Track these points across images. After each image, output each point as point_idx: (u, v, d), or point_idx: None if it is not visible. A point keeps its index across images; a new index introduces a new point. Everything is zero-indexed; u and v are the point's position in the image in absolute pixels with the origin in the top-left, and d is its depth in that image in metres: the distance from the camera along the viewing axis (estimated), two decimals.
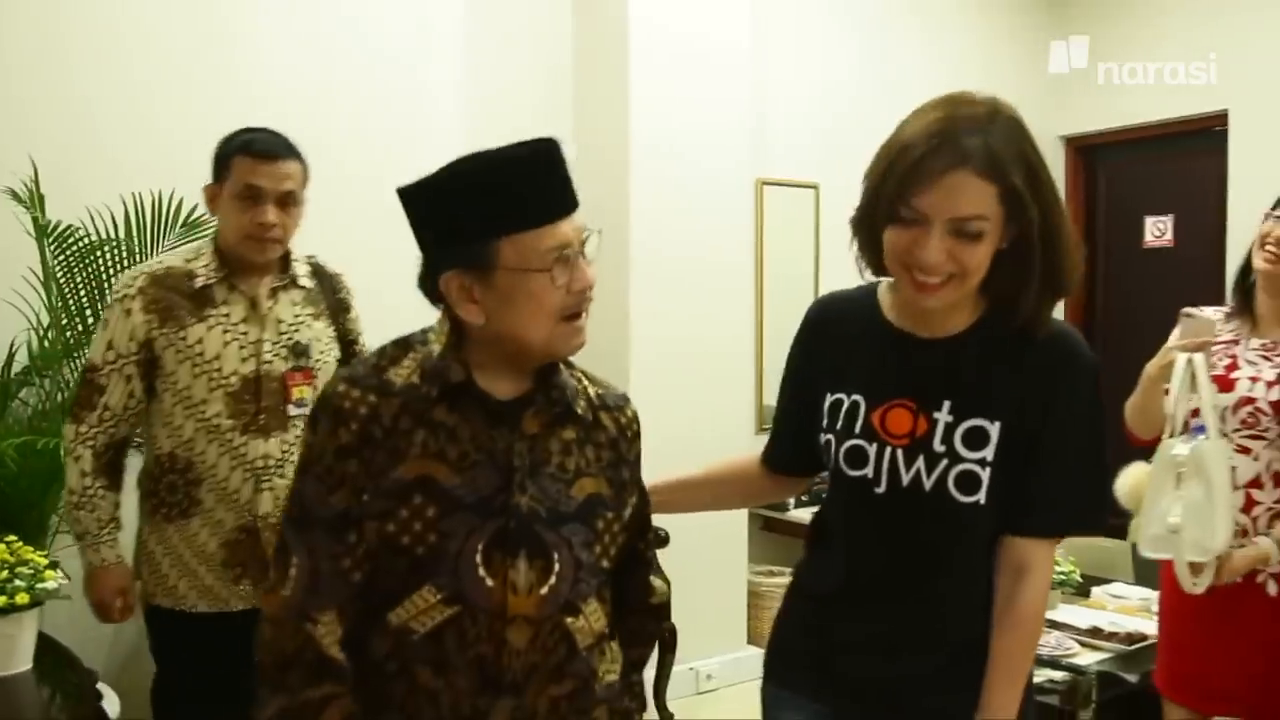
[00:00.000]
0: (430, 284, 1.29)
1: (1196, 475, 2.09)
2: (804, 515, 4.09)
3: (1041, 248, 1.36)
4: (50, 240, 2.69)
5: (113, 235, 2.80)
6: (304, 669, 1.24)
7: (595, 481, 1.34)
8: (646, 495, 1.45)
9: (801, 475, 1.71)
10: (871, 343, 1.50)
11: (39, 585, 2.01)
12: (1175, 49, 4.66)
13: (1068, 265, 1.40)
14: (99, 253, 2.76)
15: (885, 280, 1.51)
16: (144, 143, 3.08)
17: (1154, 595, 2.71)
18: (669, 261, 3.84)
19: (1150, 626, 2.72)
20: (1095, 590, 3.24)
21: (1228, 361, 2.34)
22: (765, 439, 1.70)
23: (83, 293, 2.79)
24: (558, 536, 1.28)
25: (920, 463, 1.42)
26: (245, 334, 2.18)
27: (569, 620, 1.29)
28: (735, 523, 4.05)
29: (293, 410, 2.18)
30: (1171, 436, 2.16)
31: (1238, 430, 2.29)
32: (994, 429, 1.40)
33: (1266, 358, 2.32)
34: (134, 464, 2.31)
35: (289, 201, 2.18)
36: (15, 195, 2.68)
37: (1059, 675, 2.78)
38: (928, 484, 1.41)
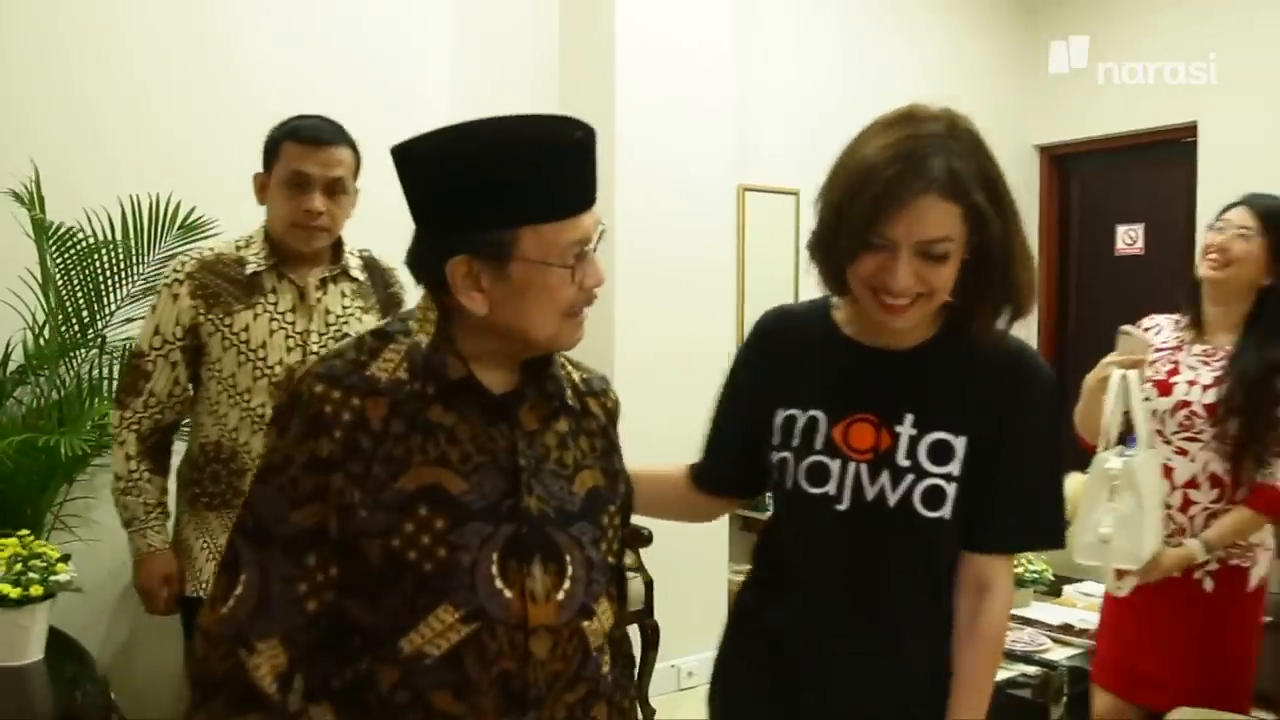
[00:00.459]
0: (431, 265, 1.15)
1: (1128, 488, 2.18)
2: None
3: (1000, 260, 1.35)
4: (50, 241, 2.72)
5: (110, 237, 2.82)
6: (230, 696, 1.12)
7: (592, 474, 1.26)
8: (630, 481, 1.35)
9: (730, 497, 1.64)
10: (829, 356, 1.47)
11: (51, 578, 2.06)
12: (1166, 49, 4.76)
13: (1024, 279, 1.39)
14: (98, 254, 2.78)
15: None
16: (142, 144, 3.11)
17: None
18: (653, 264, 3.90)
19: None
20: (1066, 589, 3.35)
21: (1169, 367, 2.42)
22: None
23: (79, 294, 2.82)
24: (569, 537, 1.20)
25: (885, 478, 1.38)
26: (292, 324, 2.14)
27: (585, 624, 1.20)
28: (716, 523, 4.10)
29: None
30: (1105, 449, 2.23)
31: (1176, 433, 2.38)
32: (959, 443, 1.38)
33: (1205, 363, 2.39)
34: (176, 452, 2.32)
35: (338, 189, 2.11)
36: (17, 196, 2.71)
37: (1032, 670, 2.88)
38: (892, 499, 1.38)
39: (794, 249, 4.67)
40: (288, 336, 2.14)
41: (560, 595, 1.17)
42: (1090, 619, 2.95)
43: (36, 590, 2.04)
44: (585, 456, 1.25)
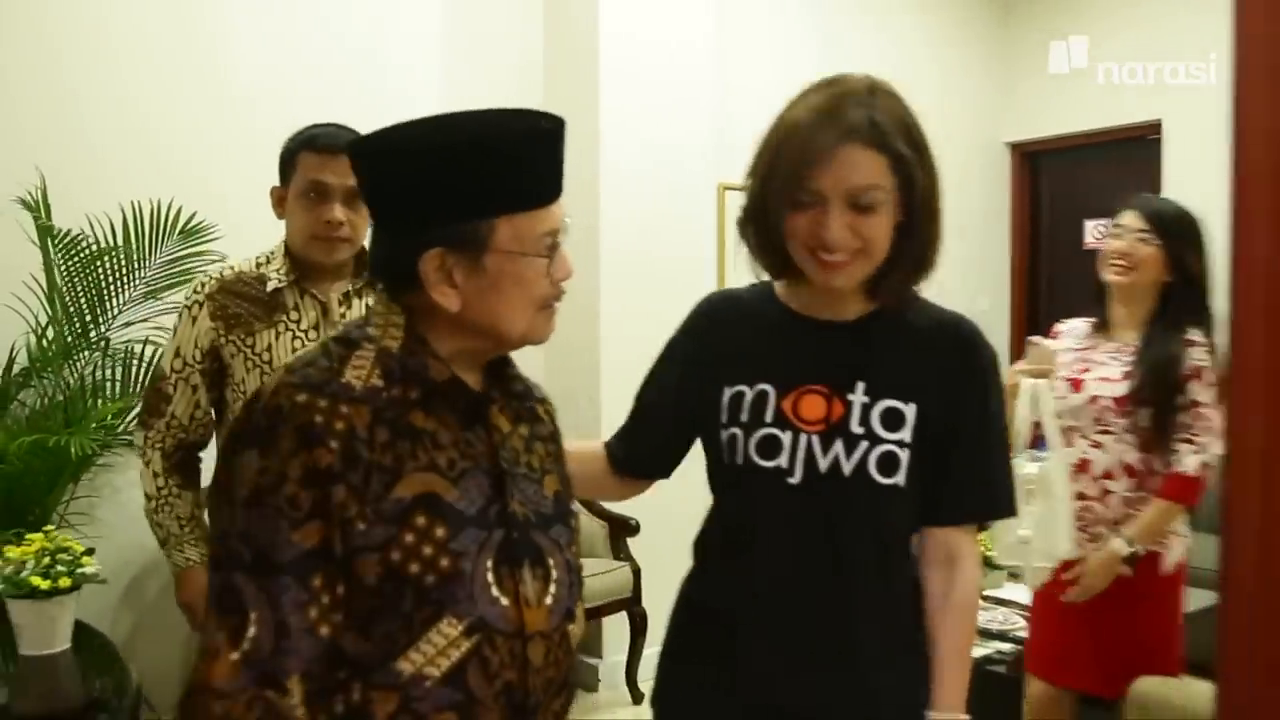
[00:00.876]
0: (401, 262, 1.10)
1: (1042, 491, 2.29)
2: None
3: (926, 218, 1.36)
4: (56, 246, 2.80)
5: (111, 242, 2.90)
6: None
7: (553, 478, 1.23)
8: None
9: (644, 479, 1.61)
10: (774, 332, 1.46)
11: (78, 570, 2.15)
12: (1130, 50, 4.91)
13: (935, 236, 1.39)
14: (101, 259, 2.86)
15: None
16: (140, 153, 3.18)
17: None
18: (637, 261, 4.00)
19: None
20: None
21: (1082, 365, 2.53)
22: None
23: (82, 298, 2.90)
24: (549, 540, 1.17)
25: (839, 447, 1.37)
26: (315, 341, 2.02)
27: (570, 627, 1.19)
28: (703, 510, 4.22)
29: None
30: (1018, 455, 2.32)
31: (1091, 427, 2.48)
32: (909, 410, 1.38)
33: (1115, 359, 2.50)
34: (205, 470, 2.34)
35: (358, 198, 1.97)
36: (24, 203, 2.79)
37: (1006, 647, 3.03)
38: (847, 467, 1.37)
39: None
40: None
41: (548, 600, 1.15)
42: None
43: (65, 582, 2.12)
44: (544, 460, 1.23)
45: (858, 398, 1.38)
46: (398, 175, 1.09)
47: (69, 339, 2.89)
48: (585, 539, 3.60)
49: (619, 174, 3.97)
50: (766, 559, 1.41)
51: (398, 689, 1.05)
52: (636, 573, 3.74)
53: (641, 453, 1.57)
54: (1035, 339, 2.47)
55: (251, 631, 1.00)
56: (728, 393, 1.44)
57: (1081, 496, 2.45)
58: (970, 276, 5.26)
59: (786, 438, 1.38)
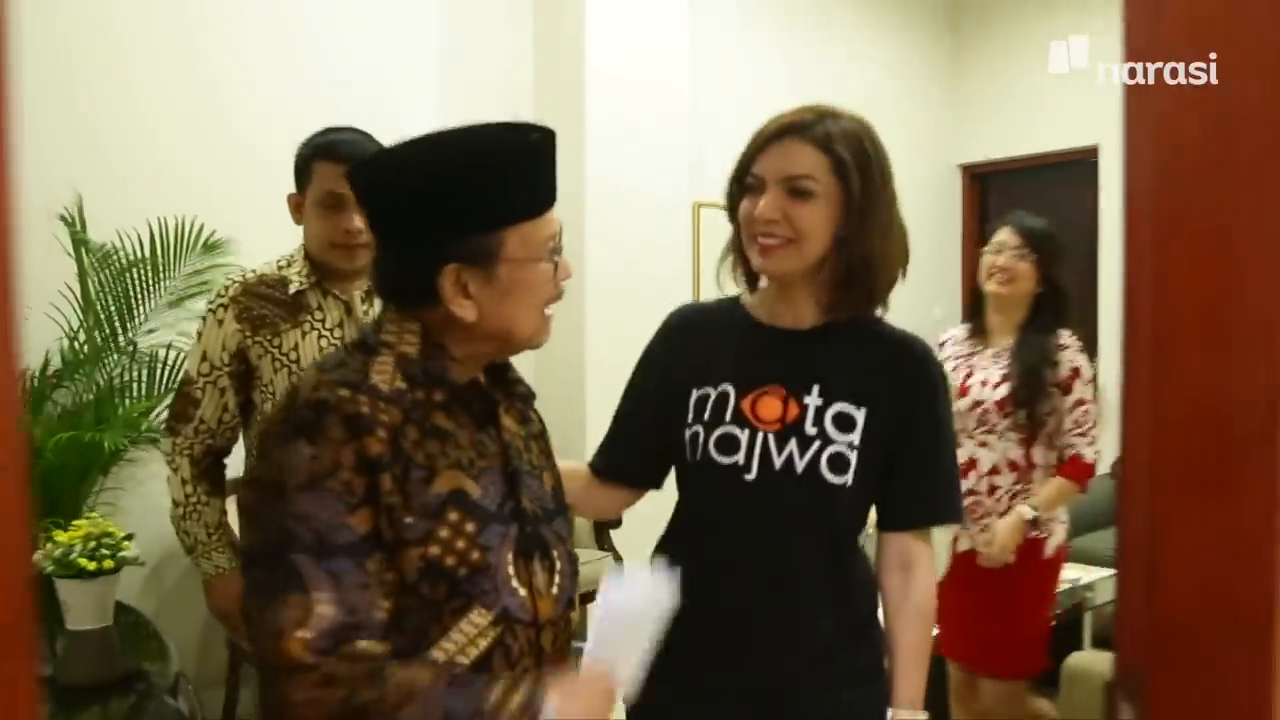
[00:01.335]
0: (418, 280, 1.12)
1: None
2: None
3: (866, 234, 1.40)
4: (91, 258, 3.03)
5: (140, 255, 3.13)
6: (388, 671, 1.02)
7: (550, 474, 1.29)
8: None
9: (632, 487, 1.64)
10: (737, 337, 1.52)
11: (120, 554, 2.37)
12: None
13: (889, 266, 1.45)
14: (131, 271, 3.10)
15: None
16: (167, 174, 3.36)
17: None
18: (619, 275, 4.27)
19: None
20: None
21: (965, 371, 2.72)
22: None
23: (112, 306, 3.12)
24: (553, 534, 1.23)
25: (793, 446, 1.42)
26: (341, 339, 2.07)
27: (571, 615, 1.25)
28: None
29: None
30: None
31: (976, 429, 2.67)
32: (859, 414, 1.43)
33: (995, 362, 2.68)
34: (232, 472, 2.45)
35: None
36: (64, 218, 3.02)
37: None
38: (800, 466, 1.42)
39: None
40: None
41: (555, 590, 1.20)
42: None
43: (109, 564, 2.34)
44: (540, 457, 1.28)
45: (813, 400, 1.44)
46: (404, 197, 1.12)
47: (99, 343, 3.10)
48: None
49: (602, 194, 4.25)
50: (719, 549, 1.47)
51: None
52: (619, 562, 3.99)
53: (624, 460, 1.62)
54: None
55: (320, 609, 1.00)
56: (695, 394, 1.50)
57: (971, 492, 2.65)
58: (926, 287, 5.57)
59: (744, 436, 1.44)
